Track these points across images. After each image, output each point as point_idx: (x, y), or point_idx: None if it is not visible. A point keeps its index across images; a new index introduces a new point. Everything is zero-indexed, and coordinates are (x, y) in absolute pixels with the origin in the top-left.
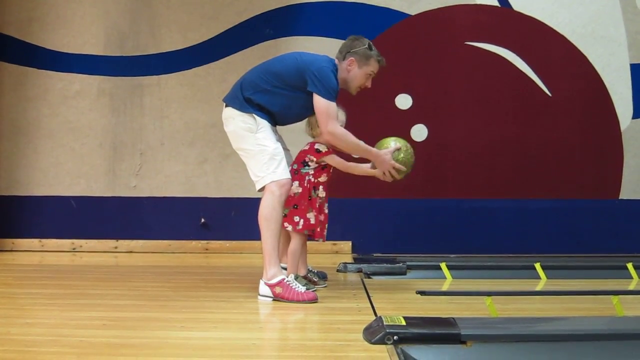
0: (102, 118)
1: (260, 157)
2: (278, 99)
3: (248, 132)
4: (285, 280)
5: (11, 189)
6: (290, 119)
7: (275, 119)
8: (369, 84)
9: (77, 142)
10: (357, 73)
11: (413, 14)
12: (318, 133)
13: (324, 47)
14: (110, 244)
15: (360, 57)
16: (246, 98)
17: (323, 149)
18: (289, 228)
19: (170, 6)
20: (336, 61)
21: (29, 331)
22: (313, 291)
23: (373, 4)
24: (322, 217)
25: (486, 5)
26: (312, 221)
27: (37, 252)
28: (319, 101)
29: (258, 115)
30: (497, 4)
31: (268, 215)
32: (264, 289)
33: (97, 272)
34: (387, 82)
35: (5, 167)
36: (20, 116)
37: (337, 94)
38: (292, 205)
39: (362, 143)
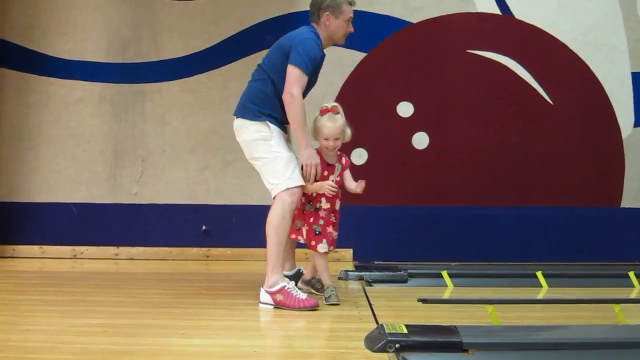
0: (104, 125)
1: (275, 164)
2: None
3: (262, 140)
4: (286, 288)
5: (12, 195)
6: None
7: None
8: (351, 29)
9: (78, 149)
10: (337, 24)
11: (414, 21)
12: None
13: (326, 54)
14: (111, 250)
15: (332, 8)
16: (257, 107)
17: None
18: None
19: (172, 13)
20: (314, 25)
21: (29, 338)
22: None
23: (374, 11)
24: (330, 229)
25: (487, 13)
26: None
27: (37, 258)
28: (291, 69)
29: (271, 122)
30: (498, 11)
31: (277, 223)
32: (264, 296)
33: (98, 278)
34: (389, 89)
35: (6, 173)
36: (21, 122)
37: (317, 63)
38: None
39: (306, 126)
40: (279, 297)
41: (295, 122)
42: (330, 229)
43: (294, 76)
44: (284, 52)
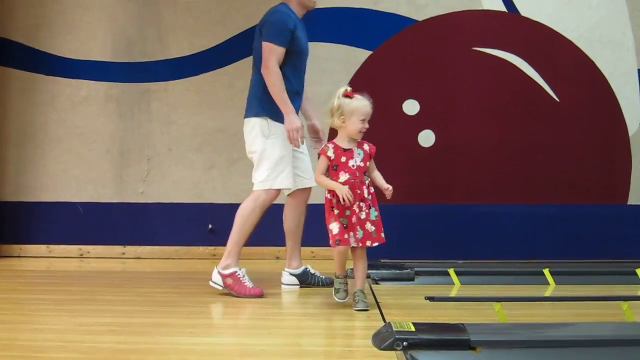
0: (110, 124)
1: (265, 161)
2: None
3: (261, 135)
4: (236, 274)
5: (19, 195)
6: (297, 86)
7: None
8: None
9: (84, 148)
10: None
11: (420, 19)
12: (336, 123)
13: (332, 53)
14: (117, 249)
15: None
16: (258, 102)
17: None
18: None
19: (178, 12)
20: (284, 0)
21: (37, 337)
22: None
23: (380, 9)
24: (353, 219)
25: (493, 10)
26: (335, 231)
27: (44, 258)
28: (264, 45)
29: (273, 119)
30: (504, 9)
31: (245, 215)
32: (216, 276)
33: (105, 278)
34: (395, 87)
35: (13, 172)
36: (27, 122)
37: (291, 31)
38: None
39: (285, 94)
40: (229, 280)
41: (273, 92)
42: (353, 220)
43: (267, 50)
44: (259, 37)
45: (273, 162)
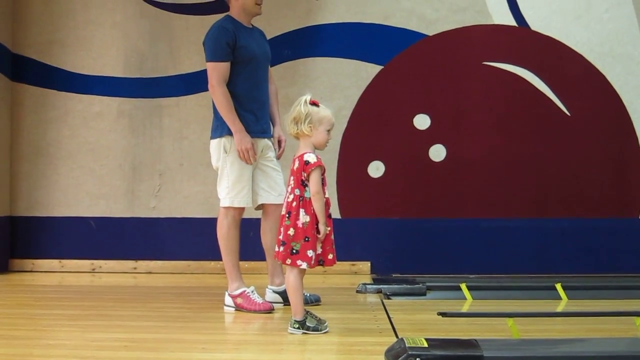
0: (122, 139)
1: (225, 178)
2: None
3: (223, 152)
4: (246, 292)
5: (31, 210)
6: (255, 94)
7: (249, 107)
8: None
9: (96, 163)
10: None
11: (431, 34)
12: (298, 132)
13: (342, 68)
14: (129, 264)
15: None
16: (218, 121)
17: (312, 159)
18: (304, 266)
19: (189, 27)
20: (228, 12)
21: (50, 352)
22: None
23: (391, 25)
24: (332, 237)
25: (504, 25)
26: (319, 250)
27: (57, 272)
28: (207, 66)
29: (232, 136)
30: (514, 23)
31: (225, 235)
32: (227, 299)
33: (117, 292)
34: (405, 102)
35: (26, 188)
36: (40, 137)
37: (229, 43)
38: (303, 239)
39: (233, 112)
40: (239, 300)
41: (220, 111)
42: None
43: (209, 70)
44: None
45: (232, 181)
